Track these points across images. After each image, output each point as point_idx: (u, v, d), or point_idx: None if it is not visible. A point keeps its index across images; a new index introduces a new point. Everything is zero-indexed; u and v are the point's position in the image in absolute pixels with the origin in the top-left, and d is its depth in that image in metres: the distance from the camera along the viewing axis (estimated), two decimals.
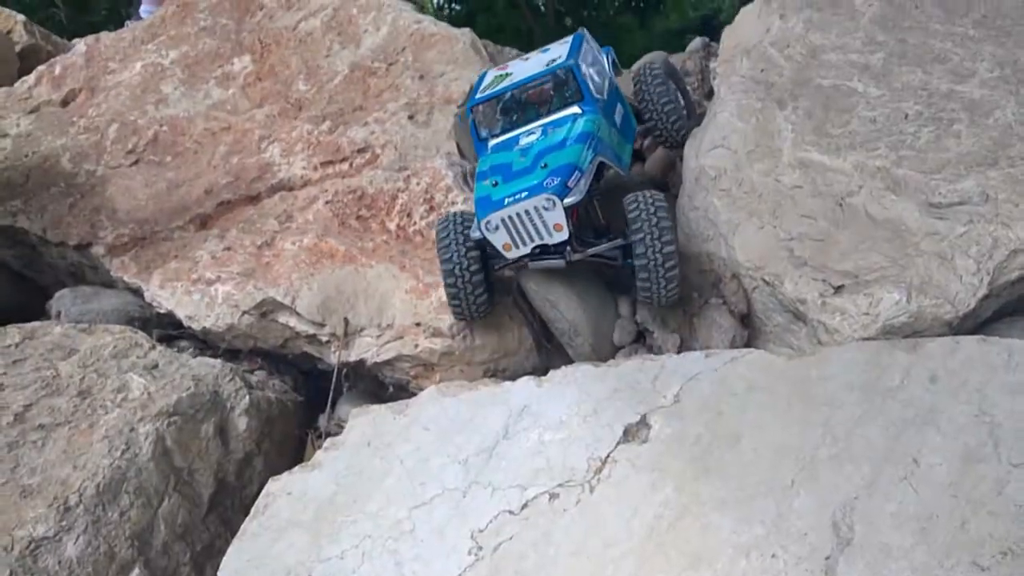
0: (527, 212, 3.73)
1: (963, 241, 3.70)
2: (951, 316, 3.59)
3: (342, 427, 3.97)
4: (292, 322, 4.36)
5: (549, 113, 4.28)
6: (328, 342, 4.33)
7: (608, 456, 3.44)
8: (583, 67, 4.35)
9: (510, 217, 3.74)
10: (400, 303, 4.26)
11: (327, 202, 4.76)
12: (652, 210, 3.81)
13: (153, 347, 4.02)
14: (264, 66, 5.91)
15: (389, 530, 3.37)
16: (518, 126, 4.30)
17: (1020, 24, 4.63)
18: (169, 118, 5.75)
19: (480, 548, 3.25)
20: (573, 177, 3.81)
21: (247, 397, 3.89)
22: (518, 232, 3.80)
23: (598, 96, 4.32)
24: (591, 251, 3.98)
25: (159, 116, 5.77)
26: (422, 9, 7.28)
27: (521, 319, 4.23)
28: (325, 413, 4.24)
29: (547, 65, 4.40)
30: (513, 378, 3.90)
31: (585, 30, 4.74)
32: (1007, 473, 3.07)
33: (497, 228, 3.79)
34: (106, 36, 6.46)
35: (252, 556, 3.41)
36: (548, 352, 4.29)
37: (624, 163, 4.43)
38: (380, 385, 4.37)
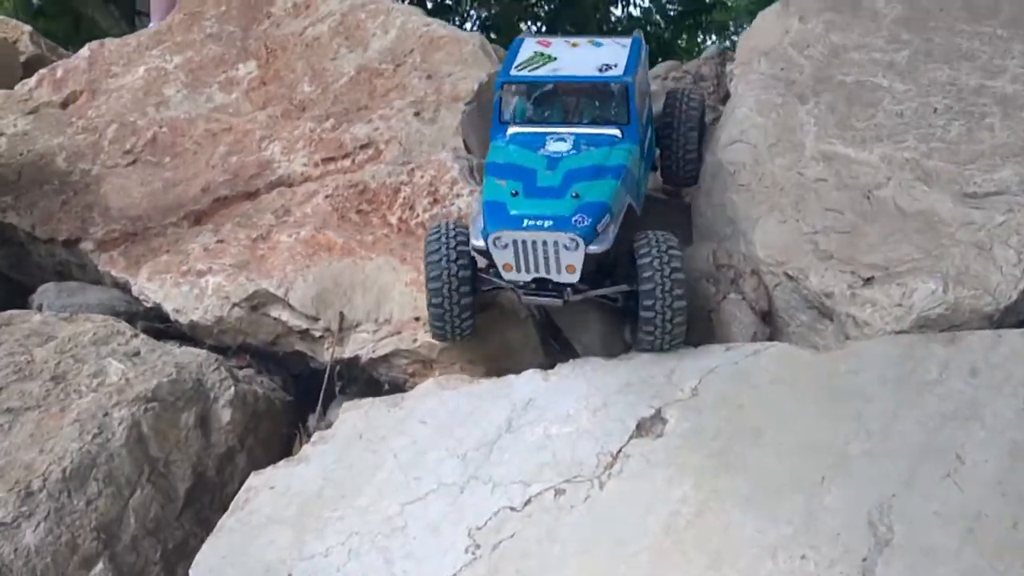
0: (544, 243, 3.39)
1: (1002, 231, 3.52)
2: (991, 309, 3.38)
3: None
4: (284, 316, 4.16)
5: (585, 122, 3.94)
6: (321, 338, 4.12)
7: (620, 451, 3.20)
8: (637, 87, 4.02)
9: (524, 241, 3.40)
10: (400, 296, 4.07)
11: (327, 196, 4.61)
12: (665, 259, 3.47)
13: (136, 335, 3.83)
14: (269, 71, 5.85)
15: (379, 526, 3.12)
16: (548, 123, 3.98)
17: None
18: (169, 120, 5.66)
19: (478, 546, 2.99)
20: (603, 221, 3.48)
21: (232, 388, 3.68)
22: (526, 258, 3.44)
23: (639, 123, 3.98)
24: (592, 293, 3.66)
25: (159, 118, 5.69)
26: None
27: (527, 314, 4.03)
28: (315, 413, 4.01)
29: (599, 70, 4.02)
30: None
31: (641, 35, 4.36)
32: None
33: (506, 247, 3.43)
34: (111, 42, 6.43)
35: (228, 553, 3.15)
36: (555, 351, 4.07)
37: (641, 200, 4.06)
38: (375, 385, 4.14)
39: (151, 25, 8.40)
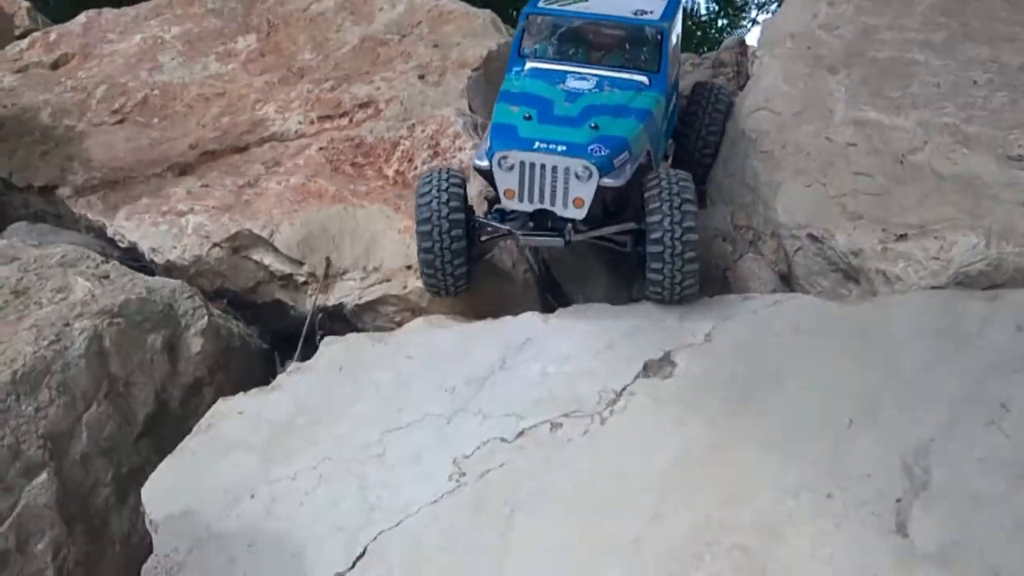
0: (554, 169, 3.27)
1: None
2: None
3: None
4: (267, 260, 4.04)
5: (612, 66, 3.85)
6: (305, 283, 4.00)
7: (624, 389, 3.03)
8: (672, 37, 3.97)
9: (532, 164, 3.28)
10: (391, 244, 3.95)
11: (320, 148, 4.55)
12: (676, 190, 3.32)
13: (107, 261, 3.71)
14: (269, 43, 5.87)
15: (355, 453, 2.93)
16: (571, 62, 3.88)
17: None
18: (162, 83, 5.65)
19: (463, 474, 2.80)
20: (622, 156, 3.38)
21: (206, 318, 3.54)
22: (531, 185, 3.31)
23: (669, 75, 3.91)
24: (595, 233, 3.51)
25: (152, 81, 5.68)
26: None
27: (526, 268, 3.91)
28: (293, 359, 3.83)
29: (635, 13, 3.97)
30: None
31: None
32: None
33: (511, 169, 3.31)
34: (108, 11, 6.50)
35: (186, 474, 2.96)
36: (555, 308, 3.92)
37: (659, 157, 4.02)
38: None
39: None
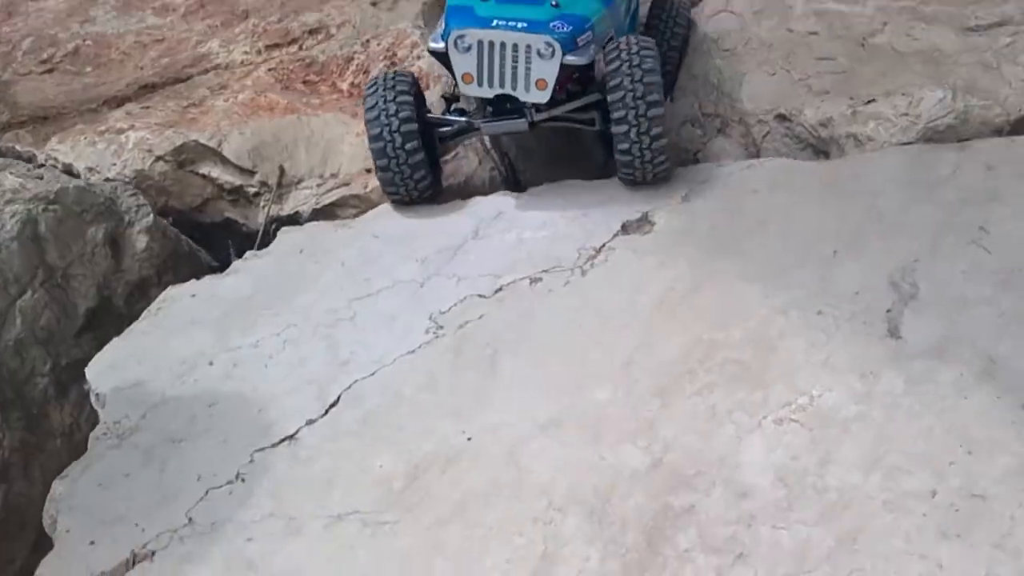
0: (515, 47, 3.25)
1: (1009, 51, 3.59)
2: (1001, 120, 3.40)
3: None
4: (216, 172, 3.99)
5: None
6: (258, 195, 3.95)
7: (603, 245, 3.05)
8: None
9: (491, 43, 3.26)
10: (349, 148, 3.94)
11: (269, 70, 4.54)
12: (636, 50, 3.30)
13: (42, 165, 3.62)
14: None
15: (322, 318, 2.89)
16: None
17: None
18: (95, 34, 5.58)
19: (440, 327, 2.78)
20: (585, 35, 3.36)
21: (151, 216, 3.47)
22: (491, 67, 3.30)
23: None
24: (559, 110, 3.46)
25: (83, 32, 5.61)
26: None
27: (491, 163, 3.92)
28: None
29: None
30: None
31: None
32: None
33: (469, 49, 3.30)
34: None
35: (135, 351, 2.88)
36: None
37: None
38: None
39: None
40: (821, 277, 2.76)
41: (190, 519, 2.31)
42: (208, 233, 4.17)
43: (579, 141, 3.94)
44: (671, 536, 2.09)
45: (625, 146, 3.28)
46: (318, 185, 3.93)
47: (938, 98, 3.43)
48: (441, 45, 3.39)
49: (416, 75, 3.72)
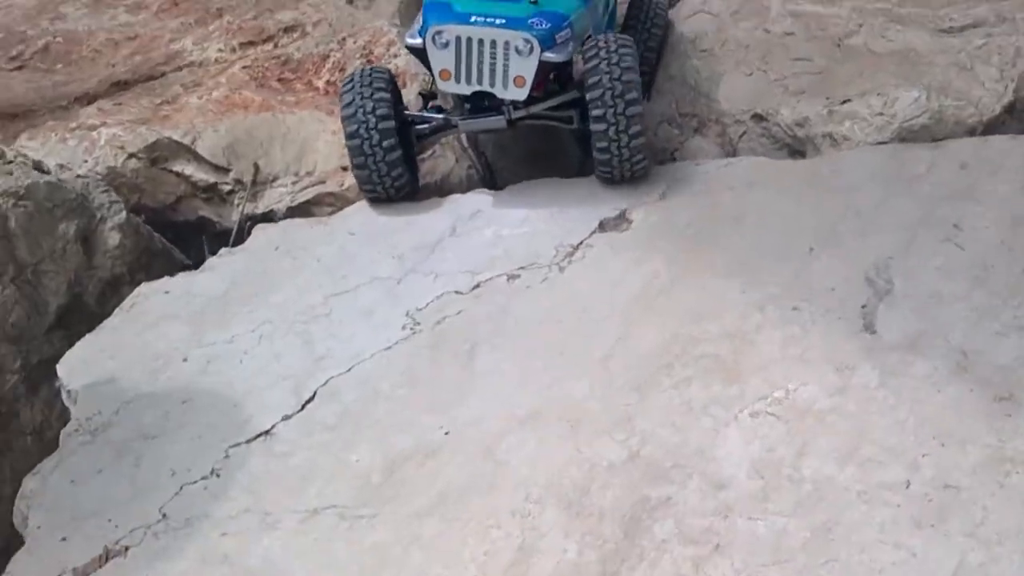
0: (493, 44, 3.29)
1: (982, 52, 3.68)
2: (975, 120, 3.48)
3: None
4: (189, 170, 3.99)
5: None
6: (232, 192, 3.96)
7: (581, 243, 3.09)
8: None
9: (469, 40, 3.30)
10: (324, 146, 3.96)
11: (244, 67, 4.55)
12: (614, 48, 3.34)
13: (11, 161, 3.60)
14: None
15: (298, 315, 2.91)
16: None
17: None
18: (65, 31, 5.56)
19: (417, 323, 2.81)
20: (564, 32, 3.40)
21: (124, 213, 3.47)
22: (468, 63, 3.33)
23: None
24: (538, 108, 3.48)
25: (53, 29, 5.60)
26: None
27: (468, 161, 3.95)
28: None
29: None
30: None
31: None
32: None
33: (447, 46, 3.34)
34: None
35: (108, 347, 2.88)
36: None
37: None
38: None
39: None
40: (797, 273, 2.81)
41: (164, 515, 2.32)
42: (182, 231, 4.17)
43: (556, 139, 3.99)
44: (649, 527, 2.13)
45: (603, 144, 3.32)
46: (293, 183, 3.94)
47: (913, 98, 3.51)
48: (419, 41, 3.43)
49: (388, 70, 3.75)
